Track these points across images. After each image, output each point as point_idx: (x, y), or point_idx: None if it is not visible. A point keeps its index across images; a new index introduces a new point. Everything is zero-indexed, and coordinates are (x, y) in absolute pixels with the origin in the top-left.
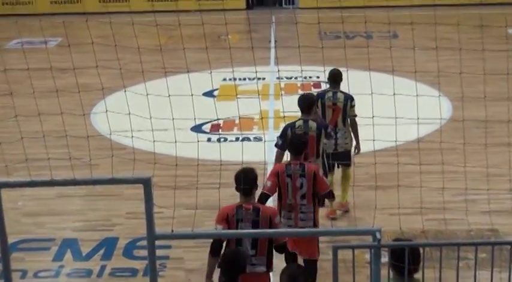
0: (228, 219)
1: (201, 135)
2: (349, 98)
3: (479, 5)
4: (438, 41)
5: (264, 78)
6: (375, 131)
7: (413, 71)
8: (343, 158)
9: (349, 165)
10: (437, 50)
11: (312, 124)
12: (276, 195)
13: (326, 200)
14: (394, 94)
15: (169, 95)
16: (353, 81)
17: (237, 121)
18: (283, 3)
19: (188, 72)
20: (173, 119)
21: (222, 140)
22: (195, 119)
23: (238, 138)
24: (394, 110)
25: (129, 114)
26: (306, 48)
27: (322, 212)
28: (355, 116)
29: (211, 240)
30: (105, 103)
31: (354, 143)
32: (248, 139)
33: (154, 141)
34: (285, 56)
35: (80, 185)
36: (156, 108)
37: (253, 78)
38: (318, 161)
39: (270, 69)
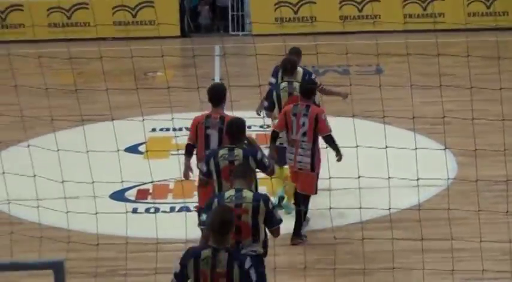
0: (197, 126)
1: (124, 204)
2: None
3: (494, 29)
4: (437, 78)
5: None
6: (361, 196)
7: (408, 117)
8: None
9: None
10: (440, 89)
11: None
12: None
13: None
14: (386, 147)
15: (87, 151)
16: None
17: (172, 185)
18: (231, 29)
19: (111, 120)
20: (93, 182)
21: (152, 210)
22: (122, 181)
23: (174, 207)
24: (385, 169)
25: (34, 176)
26: (265, 88)
27: None
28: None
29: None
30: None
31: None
32: (187, 209)
33: (68, 212)
34: (235, 98)
35: None
36: (64, 169)
37: None
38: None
39: None
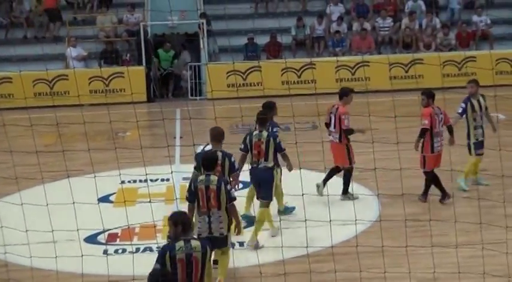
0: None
1: (96, 246)
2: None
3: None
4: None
5: (167, 180)
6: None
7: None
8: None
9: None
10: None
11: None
12: None
13: None
14: (328, 195)
15: (73, 202)
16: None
17: (137, 229)
18: (190, 95)
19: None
20: (78, 229)
21: (120, 251)
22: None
23: (139, 248)
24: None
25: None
26: None
27: None
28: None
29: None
30: None
31: None
32: (150, 249)
33: (56, 256)
34: (192, 153)
35: None
36: (43, 217)
37: (156, 180)
38: None
39: (175, 169)
